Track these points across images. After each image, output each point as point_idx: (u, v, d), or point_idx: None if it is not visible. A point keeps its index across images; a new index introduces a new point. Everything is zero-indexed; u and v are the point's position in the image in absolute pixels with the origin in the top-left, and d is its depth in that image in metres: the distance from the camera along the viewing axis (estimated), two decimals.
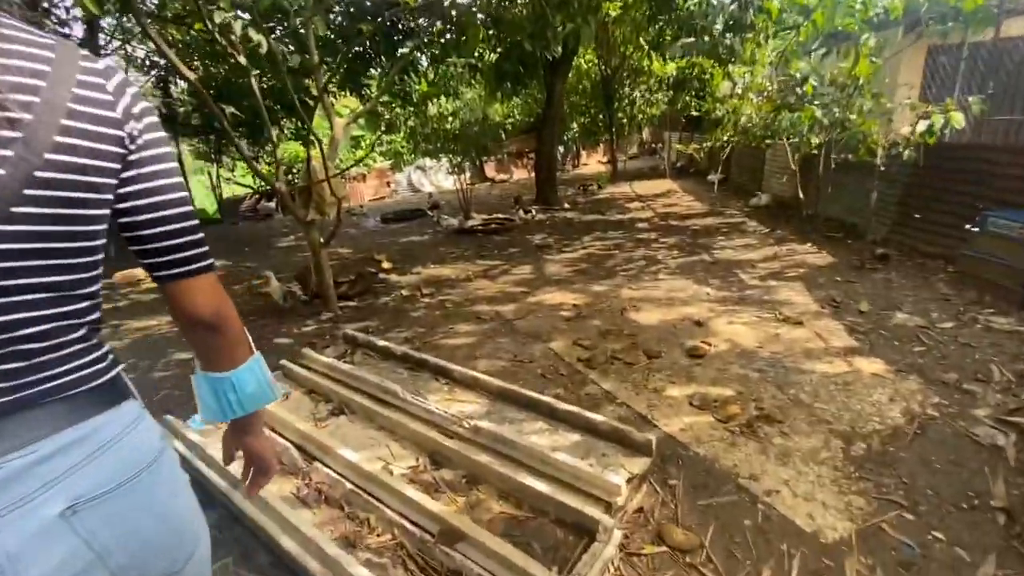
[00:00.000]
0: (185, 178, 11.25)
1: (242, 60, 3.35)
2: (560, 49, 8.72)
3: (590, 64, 14.30)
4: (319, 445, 2.18)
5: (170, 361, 3.82)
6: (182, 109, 11.09)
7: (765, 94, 7.66)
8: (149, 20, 4.12)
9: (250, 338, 0.93)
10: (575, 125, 17.74)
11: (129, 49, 9.96)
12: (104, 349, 0.76)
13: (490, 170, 19.58)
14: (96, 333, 0.75)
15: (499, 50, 8.64)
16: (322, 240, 4.34)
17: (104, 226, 0.70)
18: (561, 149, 19.31)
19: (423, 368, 2.91)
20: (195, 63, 9.57)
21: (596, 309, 4.08)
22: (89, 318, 0.72)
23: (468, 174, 19.65)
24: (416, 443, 2.22)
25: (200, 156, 14.38)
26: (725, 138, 8.91)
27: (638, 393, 2.71)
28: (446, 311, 4.38)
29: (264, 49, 3.18)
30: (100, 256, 0.71)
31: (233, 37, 3.20)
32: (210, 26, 3.01)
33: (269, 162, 14.58)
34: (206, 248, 0.80)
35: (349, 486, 1.94)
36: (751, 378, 2.81)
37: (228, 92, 9.72)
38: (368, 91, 9.31)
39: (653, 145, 22.44)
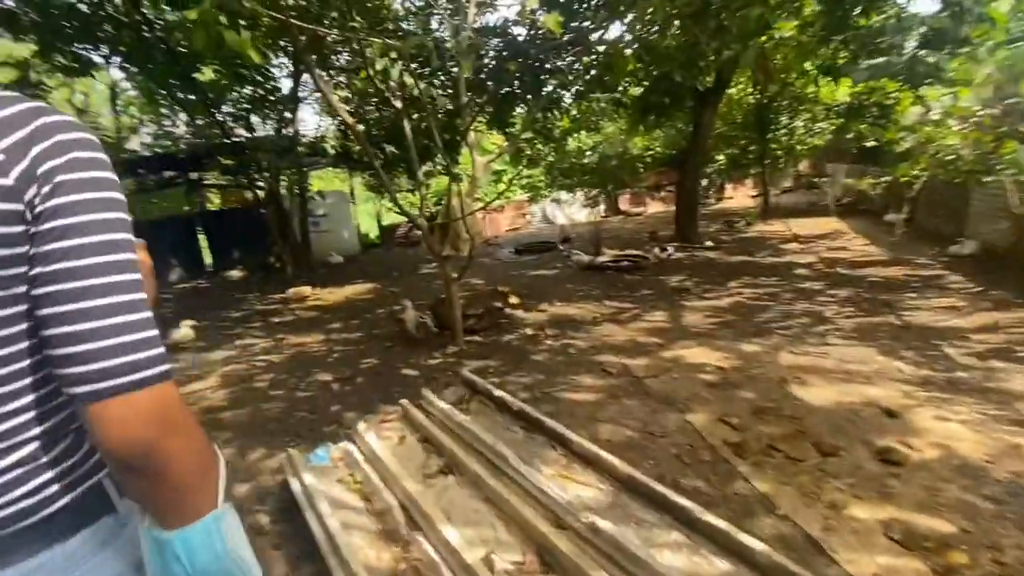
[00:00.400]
0: (354, 205, 12.62)
1: (397, 104, 3.47)
2: (711, 78, 8.07)
3: (742, 92, 13.15)
4: (423, 512, 1.97)
5: (314, 381, 4.03)
6: (357, 148, 12.52)
7: (972, 120, 6.14)
8: (324, 74, 4.52)
9: (220, 481, 0.62)
10: (721, 157, 16.46)
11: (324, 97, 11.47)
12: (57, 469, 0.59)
13: (624, 203, 19.00)
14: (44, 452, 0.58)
15: (645, 83, 8.26)
16: (454, 275, 4.31)
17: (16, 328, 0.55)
18: (704, 182, 18.03)
19: (539, 430, 2.59)
20: (370, 108, 10.75)
21: (747, 375, 3.41)
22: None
23: (602, 207, 19.33)
24: (524, 530, 1.89)
25: (370, 188, 16.11)
26: (915, 172, 7.35)
27: (808, 505, 2.07)
28: (569, 357, 4.04)
29: (416, 92, 3.25)
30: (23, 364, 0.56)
31: (391, 83, 3.32)
32: (371, 72, 3.16)
33: (424, 195, 15.93)
34: (142, 355, 0.55)
35: (447, 574, 1.68)
36: (980, 509, 1.99)
37: (393, 133, 10.75)
38: (513, 129, 9.58)
39: (812, 179, 19.92)
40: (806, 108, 12.81)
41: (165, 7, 7.25)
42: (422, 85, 3.29)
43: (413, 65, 3.43)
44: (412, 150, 3.93)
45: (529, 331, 4.81)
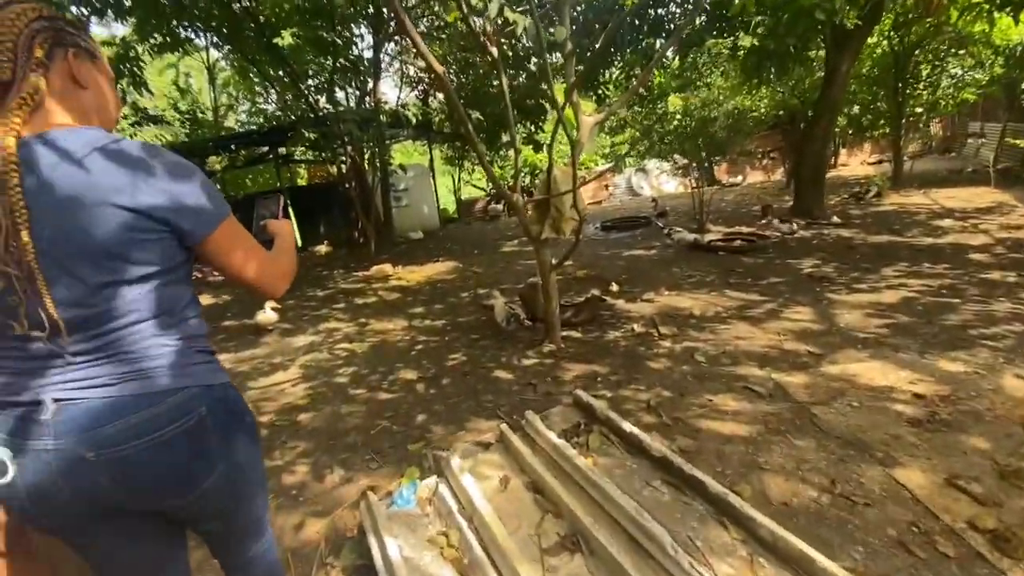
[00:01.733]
0: (434, 179, 12.25)
1: (493, 51, 2.77)
2: (856, 15, 6.54)
3: (878, 38, 11.01)
4: None
5: (396, 379, 3.56)
6: (437, 119, 12.04)
7: None
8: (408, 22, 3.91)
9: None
10: (840, 117, 14.21)
11: (403, 68, 11.05)
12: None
13: (720, 172, 17.13)
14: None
15: (761, 26, 6.87)
16: (554, 262, 3.62)
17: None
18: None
19: (694, 491, 1.87)
20: (449, 75, 10.15)
21: (965, 410, 2.44)
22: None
23: (695, 176, 17.67)
24: None
25: (447, 161, 15.72)
26: None
27: None
28: (697, 367, 3.24)
29: (521, 28, 2.52)
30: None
31: (488, 26, 2.62)
32: (465, 10, 2.47)
33: (501, 166, 15.23)
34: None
35: None
36: None
37: (475, 100, 10.08)
38: (605, 91, 8.56)
39: (950, 141, 16.84)
40: (966, 53, 10.46)
41: None
42: (526, 22, 2.53)
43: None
44: (510, 110, 3.22)
45: (637, 327, 4.03)
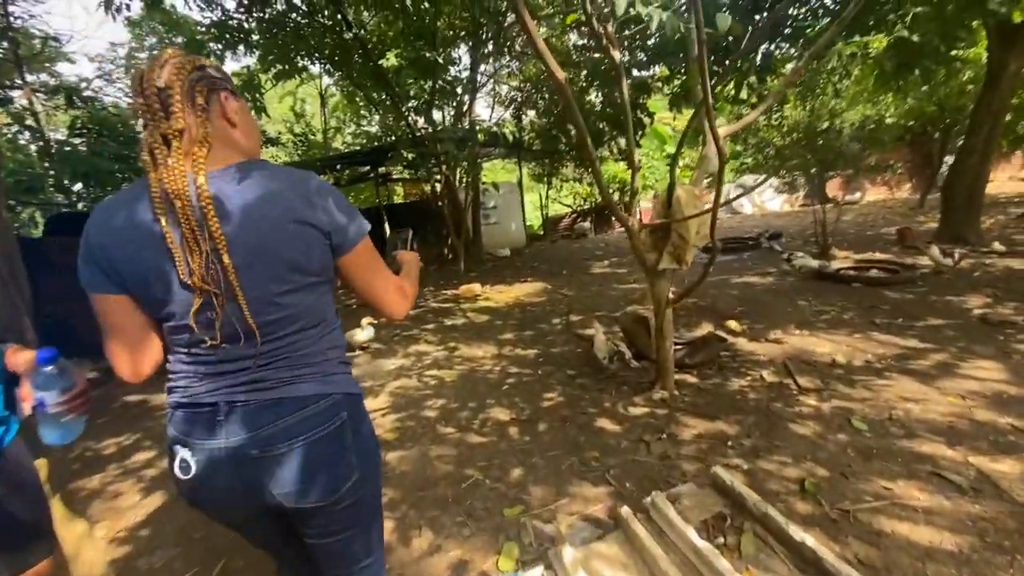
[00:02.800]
0: (522, 197, 12.06)
1: (616, 55, 2.38)
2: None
3: None
4: None
5: (488, 418, 3.23)
6: (527, 136, 11.90)
7: None
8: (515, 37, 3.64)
9: None
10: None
11: (496, 88, 11.03)
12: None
13: (833, 188, 15.29)
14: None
15: (901, 23, 5.83)
16: (672, 295, 3.11)
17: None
18: (948, 160, 13.67)
19: None
20: (543, 95, 9.93)
21: None
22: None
23: (802, 193, 15.93)
24: None
25: (534, 178, 15.55)
26: None
27: None
28: (859, 438, 2.56)
29: (656, 24, 2.11)
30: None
31: (610, 27, 2.23)
32: (590, 9, 2.11)
33: (589, 183, 14.77)
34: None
35: None
36: None
37: (566, 117, 9.75)
38: (720, 95, 7.82)
39: None
40: None
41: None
42: (663, 15, 2.10)
43: None
44: (630, 121, 2.80)
45: (767, 375, 3.38)
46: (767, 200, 15.34)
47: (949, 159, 12.90)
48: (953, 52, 6.82)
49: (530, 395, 3.49)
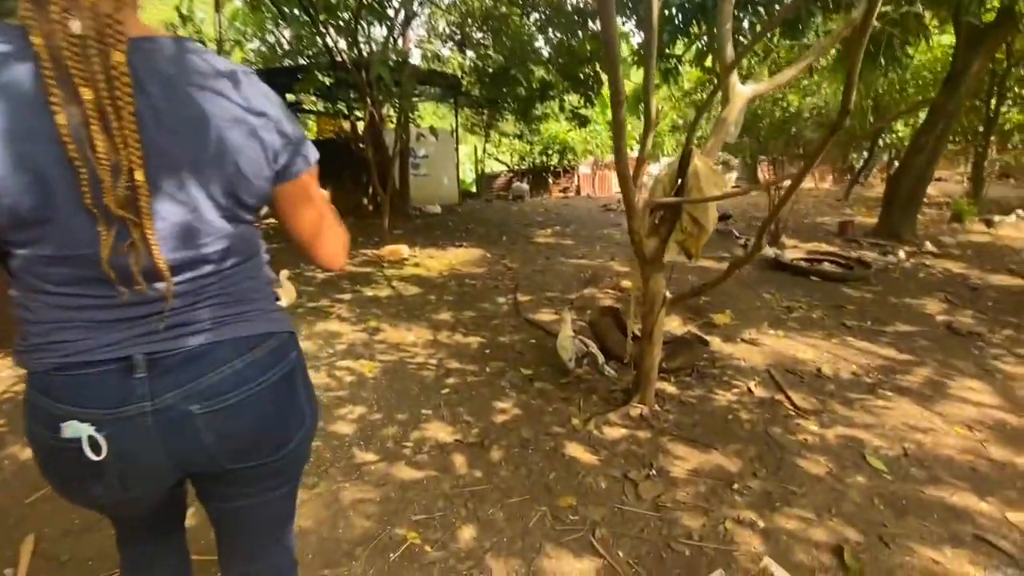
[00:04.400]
0: (457, 148, 10.97)
1: None
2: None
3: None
4: None
5: (426, 439, 2.49)
6: (466, 80, 10.70)
7: None
8: None
9: None
10: (901, 126, 12.94)
11: (432, 21, 9.68)
12: None
13: (762, 172, 15.83)
14: None
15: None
16: (668, 295, 2.51)
17: None
18: (864, 155, 14.65)
19: None
20: (487, 33, 8.83)
21: None
22: None
23: (735, 175, 16.32)
24: None
25: (468, 129, 14.40)
26: None
27: None
28: (881, 481, 2.17)
29: None
30: None
31: None
32: None
33: (531, 141, 13.95)
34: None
35: None
36: None
37: (508, 64, 8.78)
38: (674, 65, 7.29)
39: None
40: None
41: None
42: None
43: None
44: (617, 61, 2.04)
45: (754, 387, 2.96)
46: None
47: (870, 156, 13.74)
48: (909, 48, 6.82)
49: (478, 404, 2.79)
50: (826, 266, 5.58)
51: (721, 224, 7.74)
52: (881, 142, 13.08)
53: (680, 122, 17.53)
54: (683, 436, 2.48)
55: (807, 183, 16.22)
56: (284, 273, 4.14)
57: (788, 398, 2.82)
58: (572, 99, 9.36)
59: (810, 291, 4.82)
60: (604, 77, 7.96)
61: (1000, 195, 11.72)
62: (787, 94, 9.75)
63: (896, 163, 16.26)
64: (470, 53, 9.44)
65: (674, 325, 3.84)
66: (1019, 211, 8.49)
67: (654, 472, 2.23)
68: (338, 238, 0.93)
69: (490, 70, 9.22)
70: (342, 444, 2.42)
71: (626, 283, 4.86)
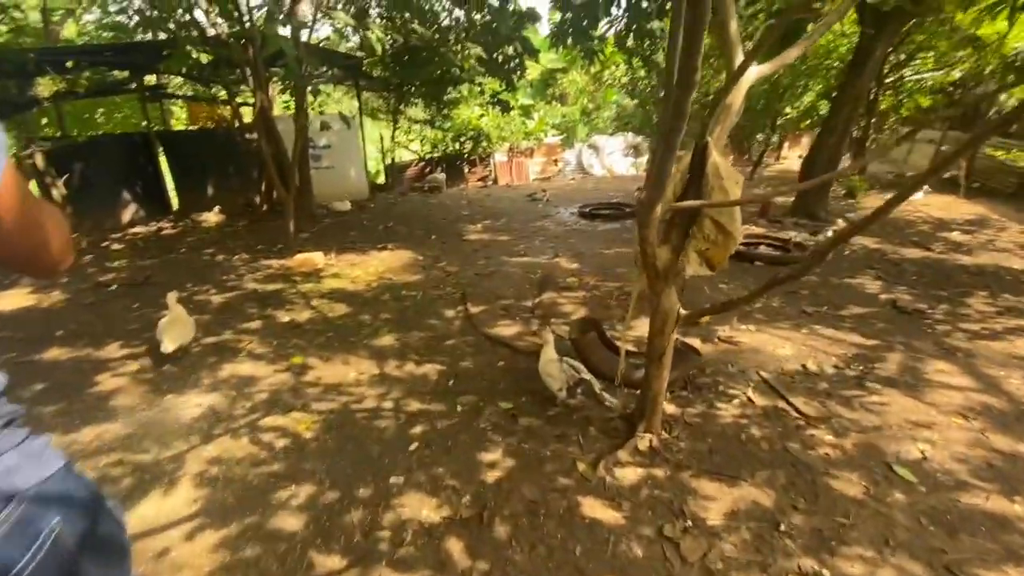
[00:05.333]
0: (363, 135, 10.00)
1: None
2: None
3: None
4: None
5: (403, 524, 1.97)
6: (367, 61, 9.75)
7: None
8: None
9: None
10: (789, 109, 14.08)
11: None
12: None
13: None
14: None
15: None
16: (681, 312, 2.21)
17: None
18: (759, 137, 15.79)
19: None
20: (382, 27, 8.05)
21: None
22: None
23: (644, 158, 16.88)
24: None
25: (370, 114, 13.36)
26: None
27: None
28: (916, 495, 2.06)
29: None
30: None
31: None
32: None
33: (441, 127, 13.23)
34: None
35: None
36: None
37: (415, 53, 8.10)
38: (598, 49, 7.10)
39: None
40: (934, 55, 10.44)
41: None
42: None
43: None
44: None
45: (752, 395, 2.79)
46: (614, 163, 15.92)
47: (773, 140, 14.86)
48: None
49: (460, 459, 2.30)
50: (763, 250, 5.73)
51: None
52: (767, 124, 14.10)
53: (591, 107, 17.87)
54: (704, 469, 2.21)
55: None
56: (172, 296, 3.33)
57: (792, 406, 2.68)
58: (491, 84, 8.89)
59: (759, 278, 4.87)
60: (524, 60, 7.59)
61: (872, 171, 13.25)
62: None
63: (786, 144, 17.84)
64: (375, 31, 8.55)
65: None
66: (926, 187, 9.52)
67: (689, 523, 1.93)
68: (65, 232, 0.73)
69: (394, 49, 8.45)
70: (291, 547, 1.83)
71: (571, 280, 4.59)
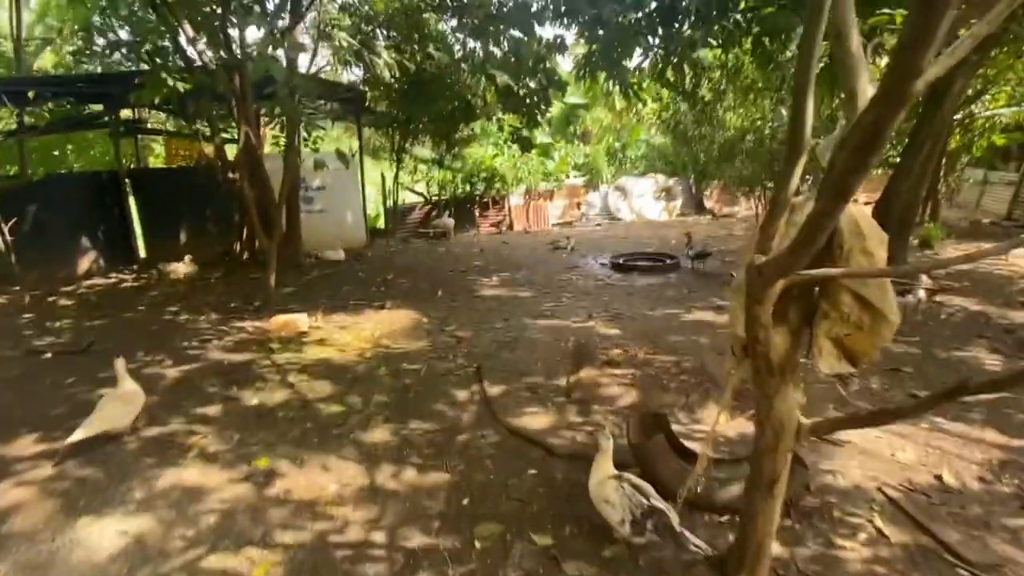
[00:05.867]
0: (362, 175, 9.88)
1: None
2: None
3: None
4: None
5: None
6: (370, 94, 9.76)
7: None
8: None
9: None
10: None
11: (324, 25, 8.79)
12: None
13: (711, 200, 16.39)
14: None
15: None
16: (803, 423, 1.73)
17: None
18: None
19: None
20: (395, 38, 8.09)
21: None
22: None
23: (679, 202, 16.72)
24: None
25: (372, 153, 13.39)
26: None
27: None
28: None
29: None
30: None
31: None
32: None
33: (450, 167, 13.20)
34: None
35: None
36: None
37: (425, 85, 8.10)
38: (634, 82, 6.97)
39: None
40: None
41: None
42: None
43: None
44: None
45: (879, 521, 2.25)
46: (644, 207, 15.73)
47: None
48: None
49: None
50: None
51: (699, 262, 7.38)
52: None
53: (616, 146, 17.93)
54: None
55: (747, 211, 17.02)
56: (120, 363, 3.01)
57: (944, 545, 2.13)
58: (510, 120, 8.80)
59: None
60: (549, 94, 7.47)
61: (944, 217, 12.89)
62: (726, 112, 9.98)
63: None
64: (379, 59, 8.58)
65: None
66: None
67: None
68: None
69: (402, 82, 8.44)
70: None
71: (615, 352, 4.11)
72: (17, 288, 6.72)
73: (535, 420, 3.15)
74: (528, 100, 7.29)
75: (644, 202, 15.78)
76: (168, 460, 2.81)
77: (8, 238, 7.00)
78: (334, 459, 2.82)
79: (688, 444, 2.63)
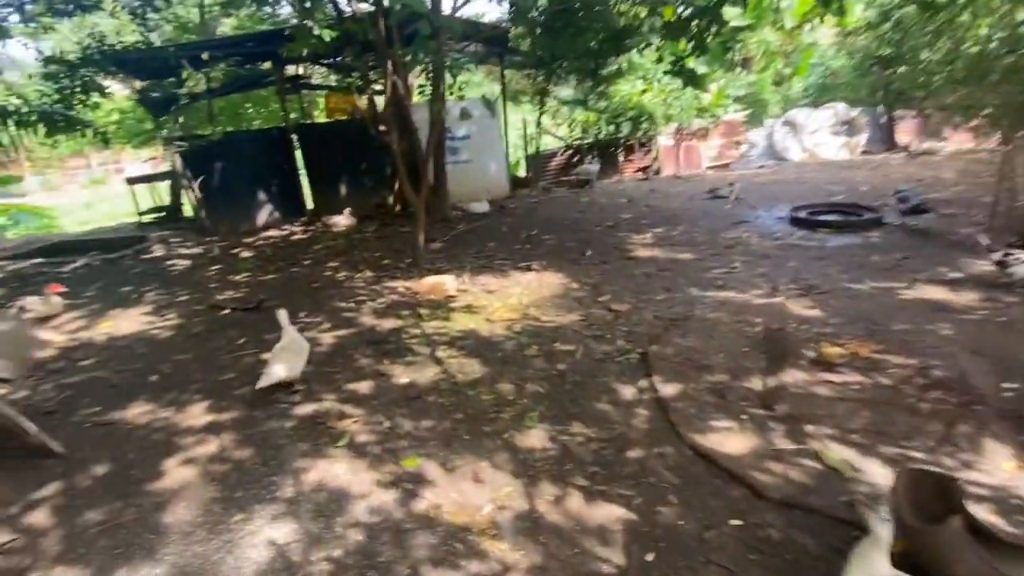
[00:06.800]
0: (505, 123, 9.31)
1: None
2: None
3: None
4: None
5: None
6: (513, 31, 8.98)
7: None
8: None
9: None
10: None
11: None
12: None
13: (904, 133, 13.39)
14: None
15: None
16: None
17: None
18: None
19: None
20: None
21: None
22: None
23: (863, 137, 13.91)
24: None
25: (512, 98, 12.71)
26: None
27: None
28: None
29: None
30: None
31: None
32: None
33: (596, 108, 12.14)
34: None
35: None
36: None
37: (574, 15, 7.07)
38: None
39: None
40: None
41: None
42: None
43: None
44: None
45: None
46: (818, 144, 13.28)
47: None
48: None
49: None
50: None
51: (908, 216, 5.79)
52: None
53: (786, 72, 15.26)
54: None
55: (965, 143, 13.61)
56: (283, 315, 3.22)
57: None
58: (673, 47, 7.52)
59: None
60: (722, 13, 6.14)
61: None
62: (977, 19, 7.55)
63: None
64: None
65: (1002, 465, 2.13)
66: None
67: None
68: None
69: (547, 14, 7.52)
70: None
71: (830, 349, 3.14)
72: (209, 239, 7.34)
73: (727, 440, 2.44)
74: (693, 22, 6.06)
75: (819, 138, 13.32)
76: (319, 449, 2.60)
77: (199, 194, 7.61)
78: (487, 467, 2.40)
79: (979, 515, 1.76)
